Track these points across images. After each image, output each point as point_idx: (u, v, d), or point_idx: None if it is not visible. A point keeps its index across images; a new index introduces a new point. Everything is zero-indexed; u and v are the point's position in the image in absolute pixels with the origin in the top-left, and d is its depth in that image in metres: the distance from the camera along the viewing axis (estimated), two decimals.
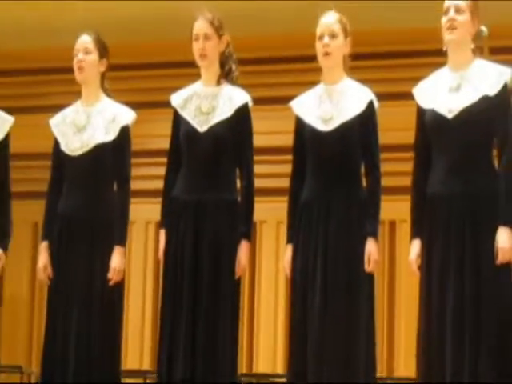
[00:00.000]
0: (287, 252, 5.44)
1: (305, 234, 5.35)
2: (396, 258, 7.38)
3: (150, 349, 7.77)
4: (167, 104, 5.77)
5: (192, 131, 5.61)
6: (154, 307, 7.46)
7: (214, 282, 5.44)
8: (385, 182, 5.38)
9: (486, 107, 5.02)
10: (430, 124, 5.12)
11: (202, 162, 5.58)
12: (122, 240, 5.73)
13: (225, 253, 5.48)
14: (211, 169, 5.58)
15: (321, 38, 5.40)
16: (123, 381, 6.00)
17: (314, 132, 5.40)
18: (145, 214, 7.09)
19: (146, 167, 6.58)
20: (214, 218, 5.49)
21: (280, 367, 7.18)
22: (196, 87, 5.72)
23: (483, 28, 5.18)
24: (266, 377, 6.78)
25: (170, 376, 5.43)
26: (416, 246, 5.11)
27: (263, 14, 7.30)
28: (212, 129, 5.58)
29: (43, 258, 5.78)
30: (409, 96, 5.26)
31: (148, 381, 6.91)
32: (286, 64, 7.40)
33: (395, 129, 5.51)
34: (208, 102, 5.65)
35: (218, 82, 5.68)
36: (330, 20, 5.42)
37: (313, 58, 5.47)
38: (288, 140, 5.57)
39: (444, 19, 5.10)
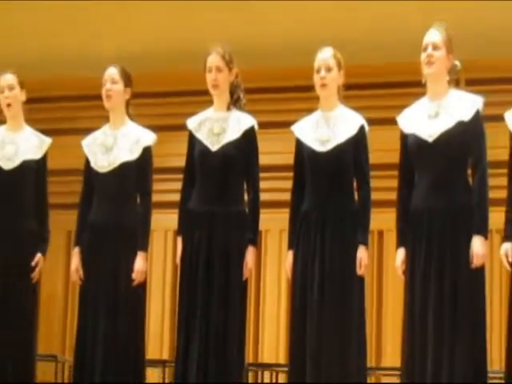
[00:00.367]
0: (288, 257, 5.44)
1: (304, 241, 5.36)
2: (383, 264, 7.36)
3: (168, 341, 7.78)
4: (183, 127, 5.77)
5: (205, 150, 5.60)
6: (172, 304, 7.46)
7: (225, 283, 5.45)
8: (374, 195, 5.38)
9: (461, 131, 5.03)
10: (412, 147, 5.14)
11: (214, 177, 5.57)
12: (144, 246, 5.73)
13: (234, 257, 5.48)
14: (222, 184, 5.57)
15: (318, 71, 5.41)
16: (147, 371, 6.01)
17: (312, 152, 5.41)
18: (164, 223, 7.08)
19: (165, 182, 6.58)
20: (225, 227, 5.49)
21: (282, 357, 7.17)
22: (209, 112, 5.71)
23: (457, 62, 5.19)
24: (269, 366, 6.77)
25: (185, 364, 5.43)
26: (401, 253, 5.13)
27: (268, 49, 7.32)
28: (222, 148, 5.58)
29: (75, 261, 5.78)
30: (395, 121, 5.26)
31: (167, 369, 6.89)
32: (288, 93, 7.40)
33: (383, 150, 5.52)
34: (219, 125, 5.64)
35: (228, 108, 5.67)
36: (325, 55, 5.43)
37: (311, 88, 5.49)
38: (289, 159, 5.56)
39: (423, 55, 5.12)
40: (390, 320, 7.22)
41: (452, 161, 5.03)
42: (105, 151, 5.84)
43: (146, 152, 5.80)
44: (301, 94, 6.16)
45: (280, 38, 7.63)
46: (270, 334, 7.81)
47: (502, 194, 5.02)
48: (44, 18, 8.42)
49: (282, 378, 6.36)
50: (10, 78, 6.00)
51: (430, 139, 5.06)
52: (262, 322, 7.86)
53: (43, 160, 6.00)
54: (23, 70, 6.09)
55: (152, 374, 7.06)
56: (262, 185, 5.61)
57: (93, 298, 5.72)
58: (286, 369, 5.64)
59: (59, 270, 7.35)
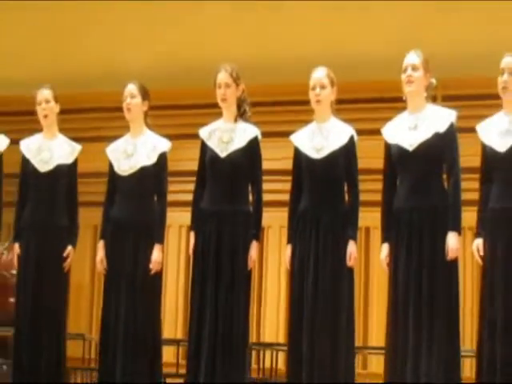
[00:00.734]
0: (287, 250, 5.44)
1: (301, 237, 5.35)
2: (370, 257, 7.30)
3: (182, 323, 7.77)
4: (196, 136, 5.76)
5: (215, 156, 5.60)
6: (186, 290, 7.42)
7: (232, 273, 5.46)
8: (362, 197, 5.37)
9: (437, 141, 5.05)
10: (395, 155, 5.15)
11: (223, 180, 5.57)
12: (160, 239, 5.74)
13: (240, 250, 5.48)
14: (229, 186, 5.56)
15: (313, 88, 5.40)
16: (162, 349, 5.98)
17: (308, 159, 5.40)
18: (178, 219, 7.08)
19: (180, 184, 6.56)
20: (232, 223, 5.49)
21: (282, 338, 7.17)
22: (218, 123, 5.70)
23: (433, 80, 5.20)
24: (270, 345, 6.78)
25: (197, 342, 5.45)
26: (385, 248, 5.14)
27: (270, 68, 7.32)
28: (230, 155, 5.57)
29: (100, 253, 5.80)
30: (380, 132, 5.27)
31: (181, 348, 6.90)
32: (287, 106, 7.36)
33: (370, 157, 5.51)
34: (227, 135, 5.63)
35: (235, 120, 5.65)
36: (319, 74, 5.42)
37: (307, 103, 5.50)
38: (288, 164, 5.54)
39: (403, 75, 5.13)
40: (376, 305, 7.19)
41: (429, 167, 5.05)
42: (126, 157, 5.83)
43: (162, 157, 5.80)
44: (298, 107, 6.17)
45: (281, 58, 7.65)
46: (270, 318, 7.77)
47: (475, 196, 5.05)
48: (74, 43, 8.50)
49: (281, 355, 6.38)
50: (46, 93, 6.01)
51: (411, 148, 5.08)
52: (264, 306, 7.83)
53: (74, 164, 6.03)
54: (57, 86, 6.13)
55: (168, 351, 7.09)
56: (265, 187, 5.61)
57: (115, 285, 5.73)
58: (284, 348, 5.65)
59: (86, 260, 7.34)
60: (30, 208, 5.94)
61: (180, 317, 7.84)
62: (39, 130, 6.11)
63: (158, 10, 8.17)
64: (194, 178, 5.73)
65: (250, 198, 5.62)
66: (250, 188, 5.62)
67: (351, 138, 5.40)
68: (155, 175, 5.79)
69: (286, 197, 5.55)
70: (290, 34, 7.78)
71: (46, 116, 6.02)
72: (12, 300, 6.34)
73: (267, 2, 7.75)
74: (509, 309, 4.76)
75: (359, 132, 5.48)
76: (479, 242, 4.94)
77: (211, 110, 5.95)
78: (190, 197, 5.74)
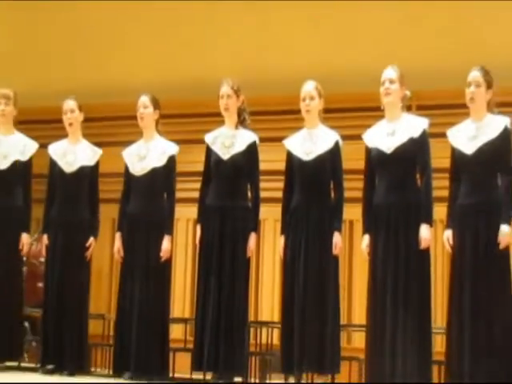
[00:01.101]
0: (281, 240, 5.45)
1: (293, 229, 5.37)
2: (353, 246, 7.27)
3: (189, 304, 7.73)
4: (201, 141, 5.76)
5: (218, 159, 5.61)
6: (193, 276, 7.36)
7: (233, 260, 5.47)
8: (346, 194, 5.38)
9: (411, 146, 5.05)
10: (374, 158, 5.15)
11: (225, 179, 5.57)
12: (169, 231, 5.74)
13: (240, 241, 5.49)
14: (231, 184, 5.57)
15: (303, 99, 5.42)
16: (171, 327, 6.02)
17: (299, 161, 5.42)
18: (186, 214, 7.05)
19: (187, 183, 6.52)
20: (233, 217, 5.50)
21: (276, 317, 7.16)
22: (221, 130, 5.70)
23: (407, 92, 5.19)
24: (266, 323, 6.77)
25: (203, 320, 5.46)
26: (366, 238, 5.14)
27: (266, 81, 7.33)
28: (232, 157, 5.58)
29: (117, 243, 5.81)
30: (361, 138, 5.26)
31: (188, 326, 6.89)
32: (281, 115, 7.32)
33: (353, 159, 5.48)
34: (229, 140, 5.63)
35: (236, 127, 5.66)
36: (309, 87, 5.43)
37: (298, 112, 5.51)
38: (281, 166, 5.55)
39: (382, 88, 5.13)
40: (358, 288, 7.14)
41: (405, 168, 5.04)
42: (139, 159, 5.84)
43: (171, 160, 5.81)
44: (291, 116, 6.17)
45: (275, 73, 7.65)
46: (267, 299, 7.73)
47: (445, 193, 5.05)
48: (95, 60, 8.51)
49: (276, 332, 6.39)
50: (71, 104, 6.02)
51: (388, 151, 5.08)
52: (261, 289, 7.79)
53: (96, 166, 6.04)
54: (80, 97, 6.13)
55: (177, 329, 7.08)
56: (261, 185, 5.61)
57: (130, 271, 5.74)
58: (279, 325, 5.66)
59: (106, 249, 7.30)
60: (57, 204, 5.96)
61: (187, 299, 7.81)
62: (65, 135, 6.12)
63: (168, 32, 8.21)
64: (200, 178, 5.73)
65: (249, 194, 5.61)
66: (248, 186, 5.61)
67: (336, 143, 5.41)
68: (165, 175, 5.79)
69: (279, 194, 5.55)
70: (283, 52, 7.80)
71: (71, 124, 6.04)
72: (40, 285, 6.37)
73: (268, 27, 7.81)
74: (475, 293, 4.74)
75: (344, 137, 5.49)
76: (449, 234, 4.92)
77: (215, 118, 5.95)
78: (196, 194, 5.74)
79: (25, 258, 6.20)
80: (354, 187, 5.44)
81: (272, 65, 7.78)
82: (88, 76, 8.30)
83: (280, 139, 5.66)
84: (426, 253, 5.01)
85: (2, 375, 5.55)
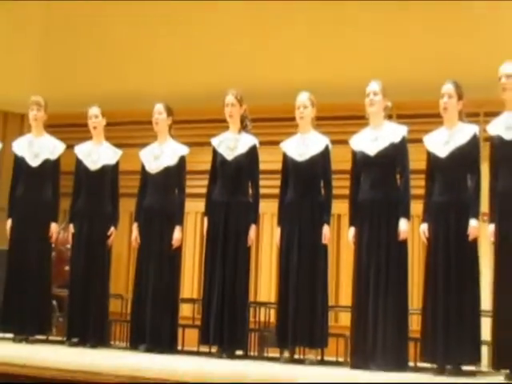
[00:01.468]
0: (278, 231, 5.44)
1: (288, 222, 5.36)
2: (340, 237, 7.24)
3: (197, 286, 7.69)
4: (209, 144, 5.75)
5: (223, 159, 5.60)
6: (200, 262, 7.30)
7: (235, 249, 5.47)
8: (334, 191, 5.38)
9: (392, 150, 5.05)
10: (360, 160, 5.15)
11: (229, 178, 5.56)
12: (180, 222, 5.75)
13: (242, 232, 5.48)
14: (234, 182, 5.55)
15: (298, 108, 5.41)
16: (181, 306, 6.01)
17: (293, 162, 5.41)
18: (195, 207, 7.00)
19: (196, 180, 6.50)
20: (236, 211, 5.49)
21: (273, 298, 7.13)
22: (226, 134, 5.69)
23: (389, 103, 5.19)
24: (264, 304, 6.77)
25: (209, 300, 5.46)
26: (352, 230, 5.13)
27: (266, 92, 7.32)
28: (235, 158, 5.57)
29: (135, 232, 5.81)
30: (348, 142, 5.26)
31: (196, 305, 6.88)
32: (278, 122, 7.24)
33: (341, 160, 5.43)
34: (233, 143, 5.62)
35: (239, 132, 5.64)
36: (303, 98, 5.42)
37: (293, 119, 5.51)
38: (278, 166, 5.53)
39: (367, 99, 5.13)
40: (345, 274, 7.07)
41: (386, 169, 5.04)
42: (154, 159, 5.84)
43: (182, 160, 5.82)
44: (287, 122, 6.15)
45: (274, 85, 7.66)
46: (264, 282, 7.69)
47: (421, 191, 5.05)
48: (114, 72, 8.52)
49: (272, 311, 6.39)
50: (95, 110, 6.03)
51: (372, 154, 5.08)
52: (260, 274, 7.74)
53: (116, 165, 6.03)
54: (103, 104, 6.14)
55: (186, 308, 7.08)
56: (261, 183, 5.60)
57: (145, 257, 5.76)
58: (275, 306, 5.66)
59: (124, 237, 7.28)
60: (82, 198, 5.95)
61: (195, 281, 7.77)
62: (89, 138, 6.13)
63: (181, 49, 8.24)
64: (207, 176, 5.72)
65: (250, 191, 5.60)
66: (249, 184, 5.60)
67: (326, 147, 5.41)
68: (176, 173, 5.80)
69: (276, 191, 5.54)
70: (281, 67, 7.80)
71: (94, 128, 6.05)
72: (67, 268, 6.36)
73: (268, 46, 7.81)
74: (447, 279, 4.73)
75: (333, 142, 5.47)
76: (425, 227, 4.91)
77: (220, 124, 5.92)
78: (204, 190, 5.73)
79: (53, 245, 6.19)
80: (341, 185, 5.43)
81: (270, 78, 7.78)
82: (110, 86, 8.29)
83: (277, 143, 5.64)
84: (404, 243, 5.01)
85: (33, 347, 5.57)
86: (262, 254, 7.87)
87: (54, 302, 6.63)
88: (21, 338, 5.84)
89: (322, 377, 4.21)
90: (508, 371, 4.46)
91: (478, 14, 7.10)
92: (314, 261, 5.28)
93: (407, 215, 5.00)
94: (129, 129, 8.15)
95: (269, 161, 5.96)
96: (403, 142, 5.09)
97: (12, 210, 5.94)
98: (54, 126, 6.46)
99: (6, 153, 6.24)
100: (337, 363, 5.51)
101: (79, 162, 6.03)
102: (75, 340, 5.85)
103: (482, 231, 4.89)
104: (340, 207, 5.52)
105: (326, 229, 5.31)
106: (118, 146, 6.20)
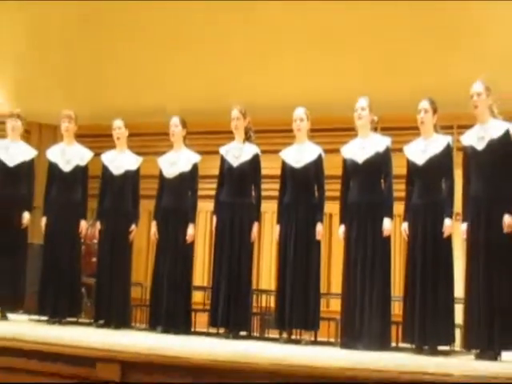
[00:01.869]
0: (277, 229, 5.43)
1: (286, 220, 5.35)
2: (332, 233, 7.25)
3: (207, 275, 7.71)
4: (217, 152, 5.75)
5: (230, 166, 5.60)
6: (210, 255, 7.36)
7: (240, 243, 5.46)
8: (327, 193, 5.36)
9: (378, 158, 5.06)
10: (349, 166, 5.15)
11: (235, 182, 5.56)
12: (193, 220, 5.75)
13: (246, 228, 5.48)
14: (239, 186, 5.55)
15: (295, 121, 5.42)
16: (193, 293, 5.99)
17: (291, 168, 5.40)
18: (205, 207, 6.95)
19: (207, 183, 6.49)
20: (241, 211, 5.49)
21: (273, 286, 7.13)
22: (232, 144, 5.69)
23: (375, 117, 5.19)
24: (266, 291, 6.77)
25: (217, 288, 5.44)
26: (342, 228, 5.12)
27: (266, 108, 7.31)
28: (240, 165, 5.57)
29: (153, 229, 5.81)
30: (339, 151, 5.25)
31: (206, 292, 6.87)
32: (277, 133, 7.22)
33: (333, 167, 5.42)
34: (238, 151, 5.62)
35: (244, 142, 5.65)
36: (299, 112, 5.43)
37: (291, 131, 5.51)
38: (277, 171, 5.53)
39: (355, 114, 5.13)
40: (335, 266, 7.02)
41: (372, 174, 5.05)
42: (170, 165, 5.84)
43: (195, 166, 5.82)
44: (285, 134, 6.14)
45: (274, 100, 7.62)
46: (265, 273, 7.71)
47: (403, 194, 5.03)
48: (139, 88, 8.51)
49: (272, 298, 6.38)
50: (119, 122, 6.05)
51: (360, 162, 5.08)
52: (262, 265, 7.74)
53: (137, 170, 6.03)
54: (126, 117, 6.13)
55: (198, 295, 7.08)
56: (262, 186, 5.60)
57: (162, 250, 5.75)
58: (274, 293, 5.65)
59: (144, 233, 7.26)
60: (108, 198, 5.96)
61: (206, 271, 7.79)
62: (113, 147, 6.13)
63: (193, 71, 8.20)
64: (216, 180, 5.72)
65: (253, 193, 5.59)
66: (252, 187, 5.59)
67: (320, 155, 5.41)
68: (190, 178, 5.79)
69: (276, 193, 5.54)
70: (279, 85, 7.78)
71: (118, 138, 6.05)
72: (94, 260, 6.36)
73: (268, 68, 7.77)
74: (425, 271, 4.72)
75: (325, 151, 5.47)
76: (405, 225, 4.90)
77: (227, 135, 5.90)
78: (213, 192, 5.73)
79: (82, 240, 6.19)
80: (333, 188, 5.42)
81: (271, 95, 7.74)
82: (131, 101, 8.25)
83: (277, 151, 5.63)
84: (387, 239, 5.01)
85: (65, 328, 5.57)
86: (264, 248, 7.87)
87: (83, 289, 6.62)
88: (54, 320, 5.84)
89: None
90: (478, 351, 4.45)
91: (454, 40, 7.10)
92: (308, 254, 5.27)
93: (390, 215, 5.01)
94: (148, 139, 8.15)
95: (269, 167, 5.95)
96: (387, 151, 5.09)
97: (46, 209, 5.94)
98: (83, 136, 6.45)
99: (41, 159, 6.25)
100: (328, 343, 5.50)
101: (105, 168, 6.04)
102: (101, 322, 5.85)
103: (456, 229, 4.88)
104: (332, 207, 5.50)
105: (319, 226, 5.30)
106: (139, 153, 6.20)
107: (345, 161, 5.20)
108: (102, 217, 5.98)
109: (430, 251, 4.75)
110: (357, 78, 7.41)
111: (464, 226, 4.65)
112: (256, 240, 5.75)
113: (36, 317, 6.01)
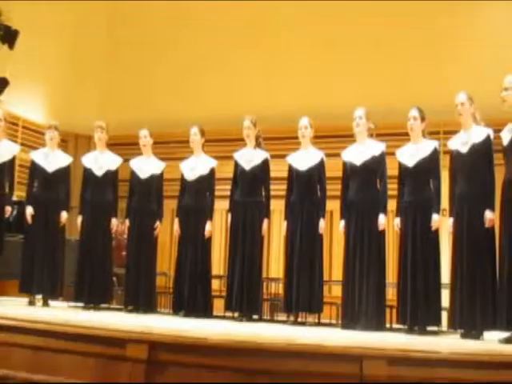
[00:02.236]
0: (284, 224, 5.42)
1: (292, 217, 5.34)
2: (333, 228, 7.20)
3: (224, 266, 7.69)
4: (231, 157, 5.75)
5: (243, 169, 5.59)
6: (225, 247, 7.37)
7: (252, 238, 5.45)
8: (328, 192, 5.35)
9: (374, 160, 5.05)
10: (348, 168, 5.14)
11: (247, 183, 5.55)
12: (210, 217, 5.73)
13: (257, 224, 5.47)
14: (251, 186, 5.54)
15: (300, 129, 5.41)
16: (212, 280, 5.97)
17: (296, 171, 5.40)
18: (222, 205, 6.97)
19: (222, 185, 6.46)
20: (252, 209, 5.48)
21: (281, 274, 7.10)
22: (244, 150, 5.68)
23: (371, 125, 5.18)
24: (275, 279, 6.76)
25: (232, 277, 5.44)
26: (342, 223, 5.11)
27: (274, 117, 7.33)
28: (252, 168, 5.56)
29: (176, 225, 5.80)
30: (340, 155, 5.24)
31: (223, 280, 6.86)
32: (284, 140, 7.22)
33: (334, 169, 5.42)
34: (250, 156, 5.60)
35: (255, 148, 5.64)
36: (304, 121, 5.42)
37: (296, 138, 5.50)
38: (285, 174, 5.51)
39: (354, 122, 5.13)
40: (336, 256, 7.01)
41: (369, 175, 5.04)
42: (191, 169, 5.83)
43: (212, 170, 5.81)
44: (291, 140, 6.14)
45: (281, 111, 7.67)
46: (275, 263, 7.70)
47: (395, 192, 4.98)
48: (162, 101, 8.58)
49: (280, 285, 6.38)
50: (145, 131, 6.06)
51: (358, 164, 5.07)
52: (271, 256, 7.73)
53: (161, 173, 6.03)
54: (152, 127, 6.14)
55: (215, 283, 7.09)
56: (271, 187, 5.59)
57: (184, 244, 5.74)
58: (282, 281, 5.65)
59: (167, 229, 7.28)
60: (135, 199, 5.97)
61: (222, 262, 7.76)
62: (140, 153, 6.14)
63: (210, 82, 8.25)
64: (231, 182, 5.71)
65: (263, 193, 5.57)
66: (262, 188, 5.57)
67: (322, 159, 5.40)
68: (208, 180, 5.79)
69: (283, 193, 5.52)
70: (287, 96, 7.83)
71: (144, 145, 6.07)
72: (124, 253, 6.39)
73: (277, 81, 7.82)
74: (415, 260, 4.69)
75: (327, 155, 5.46)
76: (398, 221, 4.88)
77: (240, 142, 5.89)
78: (228, 193, 5.71)
79: (113, 235, 6.21)
80: (334, 188, 5.41)
81: (279, 106, 7.81)
82: (156, 113, 8.38)
83: (284, 156, 5.62)
84: (382, 233, 5.01)
85: (99, 313, 5.61)
86: (273, 241, 7.86)
87: (114, 279, 6.65)
88: (89, 306, 5.87)
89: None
90: (463, 330, 4.43)
91: (441, 54, 7.09)
92: (312, 246, 5.27)
93: (385, 211, 5.00)
94: (171, 146, 8.15)
95: (277, 170, 5.95)
96: (382, 155, 5.09)
97: (82, 209, 5.97)
98: (113, 145, 6.48)
99: (77, 165, 6.28)
100: (330, 325, 5.50)
101: (133, 172, 6.05)
102: (130, 307, 5.87)
103: (442, 223, 4.86)
104: (333, 205, 5.49)
105: (321, 222, 5.30)
106: (163, 159, 6.20)
107: (344, 163, 5.19)
108: (131, 215, 5.99)
109: (419, 243, 4.74)
110: (355, 91, 7.45)
111: (450, 221, 4.63)
112: (266, 234, 5.74)
113: (73, 303, 6.04)
